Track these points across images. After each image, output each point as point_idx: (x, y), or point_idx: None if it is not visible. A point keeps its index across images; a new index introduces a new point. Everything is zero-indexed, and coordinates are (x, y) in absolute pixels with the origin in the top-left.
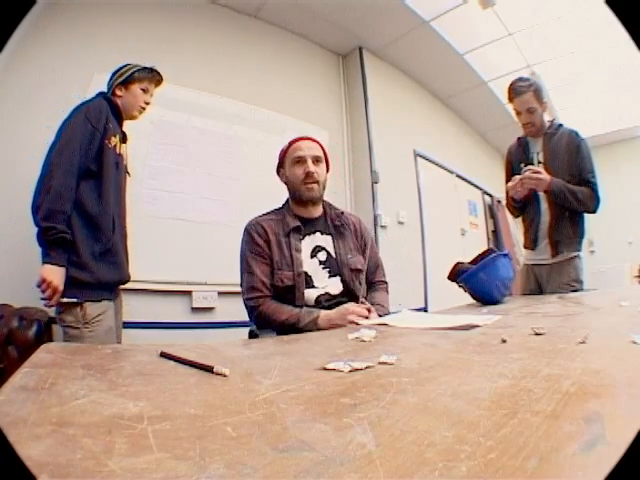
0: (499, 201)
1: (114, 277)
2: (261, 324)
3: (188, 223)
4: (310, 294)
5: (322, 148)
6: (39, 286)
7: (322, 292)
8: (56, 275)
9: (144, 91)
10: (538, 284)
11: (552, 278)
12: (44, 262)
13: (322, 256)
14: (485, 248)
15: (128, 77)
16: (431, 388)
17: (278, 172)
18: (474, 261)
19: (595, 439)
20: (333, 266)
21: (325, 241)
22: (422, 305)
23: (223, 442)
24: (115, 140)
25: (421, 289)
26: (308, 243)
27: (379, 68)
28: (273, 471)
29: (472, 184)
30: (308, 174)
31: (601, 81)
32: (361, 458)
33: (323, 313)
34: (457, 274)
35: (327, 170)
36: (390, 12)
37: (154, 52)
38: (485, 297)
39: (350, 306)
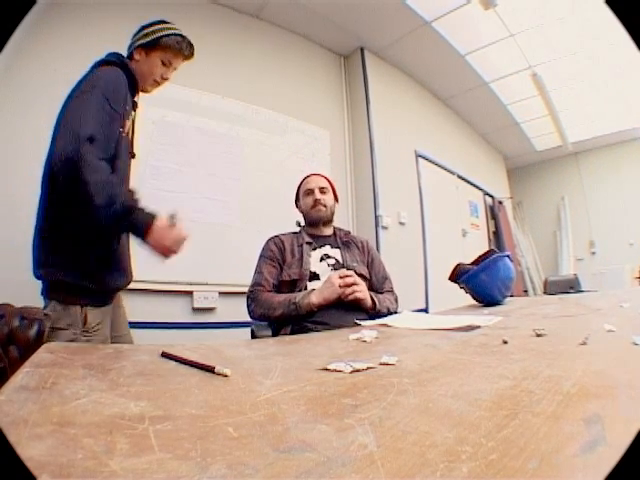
0: (500, 202)
1: (119, 283)
2: (258, 312)
3: (189, 223)
4: (315, 284)
5: (329, 181)
6: (167, 253)
7: None
8: (161, 233)
9: (164, 64)
10: None
11: None
12: (143, 240)
13: (331, 261)
14: (486, 249)
15: (153, 41)
16: (432, 389)
17: (296, 205)
18: (475, 262)
19: (596, 440)
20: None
21: (334, 252)
22: (423, 306)
23: (224, 442)
24: (128, 124)
25: (422, 290)
26: (318, 252)
27: (380, 68)
28: (275, 472)
29: (473, 185)
30: (316, 201)
31: (602, 82)
32: (363, 459)
33: (314, 291)
34: (458, 275)
35: (336, 200)
36: (392, 13)
37: None
38: (486, 298)
39: (333, 274)
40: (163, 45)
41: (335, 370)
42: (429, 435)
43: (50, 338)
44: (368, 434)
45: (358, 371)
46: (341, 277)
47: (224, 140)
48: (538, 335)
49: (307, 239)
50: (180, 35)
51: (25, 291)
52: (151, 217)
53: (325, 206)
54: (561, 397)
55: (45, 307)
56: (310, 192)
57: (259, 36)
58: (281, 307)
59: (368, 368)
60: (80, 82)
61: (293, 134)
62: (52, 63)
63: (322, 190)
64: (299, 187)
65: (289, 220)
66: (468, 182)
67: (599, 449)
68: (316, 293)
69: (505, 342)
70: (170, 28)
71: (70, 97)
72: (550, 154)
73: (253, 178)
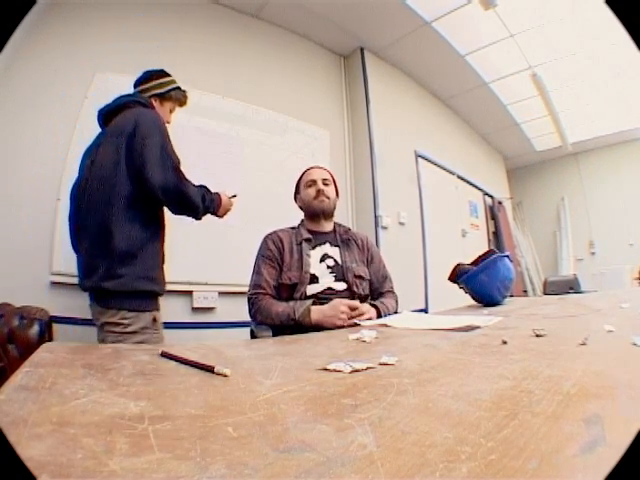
0: (500, 202)
1: (165, 286)
2: (259, 318)
3: (189, 223)
4: (314, 288)
5: (330, 174)
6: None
7: (325, 287)
8: (224, 204)
9: (170, 111)
10: None
11: None
12: (216, 214)
13: (330, 262)
14: (486, 249)
15: (167, 92)
16: (432, 389)
17: (295, 199)
18: (475, 262)
19: (595, 440)
20: (339, 272)
21: (333, 251)
22: (423, 306)
23: (224, 442)
24: None
25: (422, 290)
26: (318, 251)
27: (380, 69)
28: (274, 472)
29: (473, 185)
30: (319, 191)
31: (602, 82)
32: (362, 459)
33: (315, 306)
34: (458, 275)
35: (337, 195)
36: (392, 13)
37: (156, 52)
38: (486, 298)
39: (340, 300)
40: (174, 98)
41: (335, 370)
42: (429, 435)
43: (120, 342)
44: (368, 434)
45: (358, 371)
46: (351, 308)
47: (224, 140)
48: (538, 335)
49: (306, 235)
50: (180, 88)
51: (25, 291)
52: (218, 196)
53: (328, 197)
54: (561, 397)
55: (104, 315)
56: (313, 183)
57: (259, 36)
58: (279, 319)
59: (368, 368)
60: (132, 124)
61: (293, 134)
62: (52, 63)
63: (325, 182)
64: (299, 180)
65: (289, 220)
66: (468, 182)
67: (599, 449)
68: (317, 314)
69: (505, 342)
70: (174, 82)
71: (133, 135)
72: (550, 154)
73: (253, 178)
